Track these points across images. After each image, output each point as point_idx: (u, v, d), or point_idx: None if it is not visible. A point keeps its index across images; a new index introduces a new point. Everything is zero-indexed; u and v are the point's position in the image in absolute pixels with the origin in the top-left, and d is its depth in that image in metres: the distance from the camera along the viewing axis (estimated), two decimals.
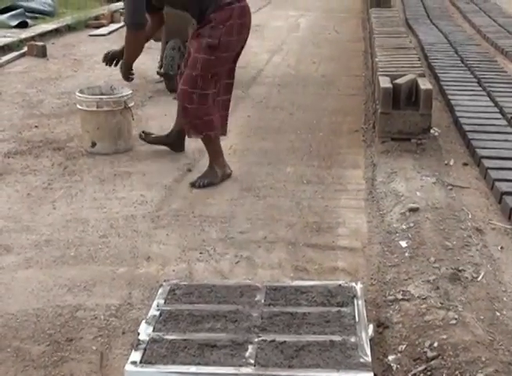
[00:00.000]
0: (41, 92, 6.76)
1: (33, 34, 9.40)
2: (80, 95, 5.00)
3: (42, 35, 9.51)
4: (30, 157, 4.93)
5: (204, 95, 4.22)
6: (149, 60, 7.17)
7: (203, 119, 4.28)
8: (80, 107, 5.01)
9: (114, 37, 9.56)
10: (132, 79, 4.71)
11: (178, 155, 4.92)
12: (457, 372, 2.40)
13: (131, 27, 4.29)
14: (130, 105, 5.00)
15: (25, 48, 8.57)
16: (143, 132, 4.96)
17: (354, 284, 3.02)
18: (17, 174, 4.61)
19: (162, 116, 5.69)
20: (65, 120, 5.79)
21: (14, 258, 3.49)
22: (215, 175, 4.42)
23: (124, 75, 4.61)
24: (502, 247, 3.40)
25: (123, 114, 4.96)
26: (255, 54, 8.55)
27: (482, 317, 2.72)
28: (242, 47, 4.39)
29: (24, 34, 9.34)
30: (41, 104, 6.32)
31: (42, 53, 8.41)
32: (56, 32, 9.94)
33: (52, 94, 6.66)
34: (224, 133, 4.55)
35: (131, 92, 5.11)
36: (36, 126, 5.64)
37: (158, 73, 6.74)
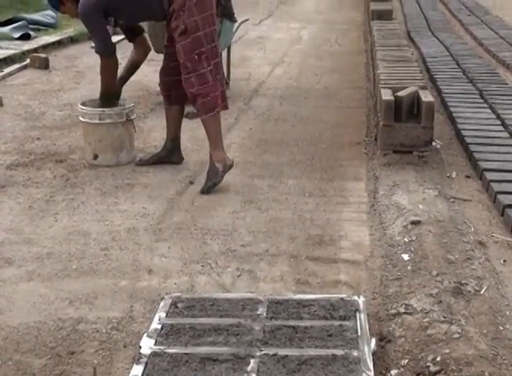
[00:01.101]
0: (43, 104, 6.78)
1: (35, 46, 9.43)
2: (82, 107, 5.00)
3: (45, 47, 9.54)
4: (32, 169, 4.94)
5: (201, 74, 4.43)
6: (151, 72, 7.17)
7: (210, 96, 4.48)
8: (82, 119, 5.02)
9: (116, 49, 9.55)
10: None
11: (179, 167, 4.92)
12: None
13: (104, 55, 4.69)
14: (132, 117, 5.01)
15: (27, 60, 8.59)
16: (139, 160, 5.03)
17: (356, 298, 3.01)
18: (19, 186, 4.61)
19: (164, 128, 5.68)
20: (67, 132, 5.80)
21: (16, 270, 3.49)
22: (217, 173, 4.50)
23: (102, 106, 4.92)
24: (504, 261, 3.39)
25: (125, 127, 4.96)
26: (257, 66, 8.57)
27: (485, 331, 2.71)
28: (213, 25, 4.55)
29: (27, 46, 9.37)
30: (43, 116, 6.33)
31: (45, 65, 8.43)
32: (59, 44, 9.98)
33: (55, 106, 6.67)
34: (226, 107, 4.74)
35: (133, 104, 5.12)
36: (38, 138, 5.65)
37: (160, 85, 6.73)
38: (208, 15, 4.48)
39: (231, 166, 4.57)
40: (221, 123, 4.63)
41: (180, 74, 4.49)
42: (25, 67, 8.47)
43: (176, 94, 4.74)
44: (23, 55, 8.87)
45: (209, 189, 4.45)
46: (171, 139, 4.96)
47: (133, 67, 5.07)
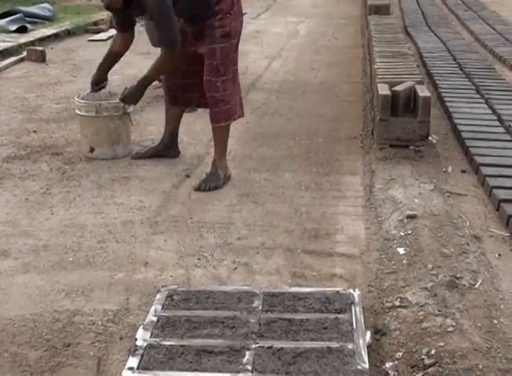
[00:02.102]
0: (39, 97, 6.77)
1: (32, 38, 9.42)
2: (79, 100, 5.00)
3: (41, 40, 9.53)
4: (28, 162, 4.93)
5: (226, 80, 4.41)
6: (147, 66, 7.15)
7: (231, 104, 4.48)
8: (79, 113, 5.02)
9: None
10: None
11: (175, 161, 4.92)
12: None
13: (174, 46, 4.29)
14: (129, 110, 5.00)
15: (24, 53, 8.58)
16: (136, 153, 5.01)
17: (351, 291, 3.03)
18: (16, 179, 4.61)
19: (161, 121, 5.67)
20: (64, 125, 5.80)
21: (12, 262, 3.49)
22: (219, 179, 4.48)
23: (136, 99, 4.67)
24: (499, 255, 3.40)
25: (121, 120, 4.96)
26: (254, 60, 8.56)
27: (480, 325, 2.73)
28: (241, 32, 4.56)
29: (23, 38, 9.35)
30: (39, 109, 6.32)
31: (41, 58, 8.41)
32: (55, 37, 9.96)
33: (51, 99, 6.67)
34: (242, 114, 4.72)
35: None
36: (35, 131, 5.64)
37: (157, 78, 6.73)
38: (242, 22, 4.53)
39: (229, 177, 4.57)
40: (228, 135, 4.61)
41: (187, 76, 4.47)
42: (22, 60, 8.46)
43: (182, 96, 4.72)
44: (19, 47, 8.87)
45: (207, 189, 4.40)
46: (169, 134, 4.95)
47: (115, 58, 4.81)
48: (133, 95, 4.60)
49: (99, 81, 4.85)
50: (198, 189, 4.41)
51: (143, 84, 4.55)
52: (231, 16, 4.35)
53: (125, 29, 4.68)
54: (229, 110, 4.48)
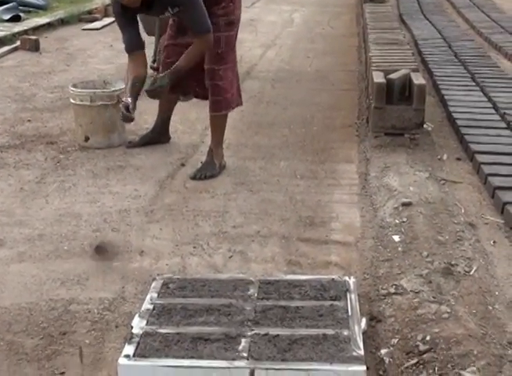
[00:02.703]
0: (34, 86, 6.74)
1: (26, 27, 9.37)
2: (73, 89, 4.99)
3: (35, 29, 9.48)
4: (23, 151, 4.92)
5: (227, 69, 4.40)
6: None
7: (231, 92, 4.46)
8: (73, 101, 5.00)
9: (107, 31, 9.51)
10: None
11: (170, 150, 4.91)
12: (449, 365, 2.41)
13: (210, 31, 4.16)
14: (123, 99, 4.99)
15: (18, 42, 8.54)
16: (129, 142, 5.01)
17: (347, 278, 3.03)
18: (10, 168, 4.60)
19: (155, 110, 5.67)
20: (58, 114, 5.78)
21: (7, 252, 3.49)
22: (214, 167, 4.48)
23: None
24: (494, 242, 3.41)
25: (116, 108, 4.93)
26: (249, 49, 8.54)
27: (474, 311, 2.74)
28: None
29: (17, 27, 9.31)
30: (34, 98, 6.30)
31: (35, 47, 8.38)
32: (49, 26, 9.91)
33: (45, 88, 6.64)
34: (241, 103, 4.70)
35: (124, 86, 5.10)
36: (29, 120, 5.63)
37: (151, 67, 6.71)
38: (241, 12, 4.50)
39: (224, 166, 4.55)
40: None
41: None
42: (15, 49, 8.42)
43: (181, 85, 4.60)
44: (13, 37, 8.83)
45: (202, 178, 4.40)
46: (162, 120, 4.96)
47: (140, 83, 4.39)
48: (164, 87, 4.25)
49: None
50: (194, 177, 4.41)
51: (177, 74, 4.25)
52: (234, 4, 4.34)
53: (136, 47, 4.34)
54: (230, 98, 4.47)
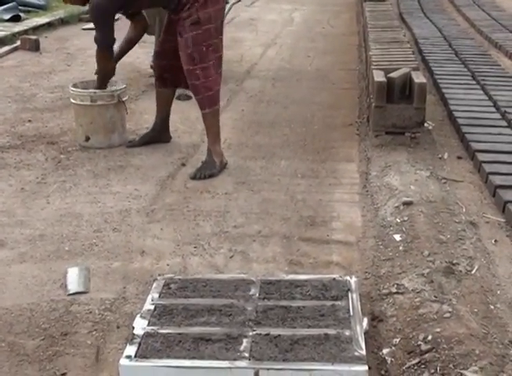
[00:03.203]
0: (34, 86, 6.74)
1: (26, 27, 9.36)
2: (73, 89, 4.98)
3: (35, 29, 9.47)
4: (23, 151, 4.92)
5: (206, 68, 4.39)
6: (143, 54, 7.14)
7: (214, 90, 4.46)
8: (73, 101, 5.00)
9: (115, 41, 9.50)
10: None
11: (171, 149, 4.91)
12: (451, 365, 2.41)
13: (101, 47, 4.62)
14: (124, 99, 4.99)
15: (18, 42, 8.52)
16: (129, 141, 5.03)
17: (348, 278, 3.02)
18: (11, 168, 4.60)
19: (155, 109, 5.68)
20: (58, 114, 5.78)
21: (8, 252, 3.49)
22: (214, 166, 4.47)
23: (99, 87, 4.92)
24: (496, 241, 3.41)
25: (117, 108, 4.95)
26: (249, 48, 8.54)
27: (476, 310, 2.73)
28: (222, 18, 4.55)
29: (17, 27, 9.30)
30: (34, 98, 6.30)
31: (35, 47, 8.37)
32: (49, 26, 9.90)
33: (46, 88, 6.64)
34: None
35: (124, 86, 5.10)
36: (29, 120, 5.62)
37: (152, 67, 6.71)
38: (220, 8, 4.47)
39: (225, 165, 4.56)
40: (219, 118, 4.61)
41: (176, 58, 4.44)
42: (15, 49, 8.41)
43: (171, 77, 4.71)
44: (13, 37, 8.81)
45: (202, 178, 4.40)
46: (161, 119, 4.96)
47: (128, 45, 4.92)
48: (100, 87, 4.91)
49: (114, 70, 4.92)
50: (194, 177, 4.41)
51: (98, 78, 4.91)
52: (199, 3, 4.31)
53: (131, 17, 4.80)
54: (213, 96, 4.46)
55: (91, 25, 10.06)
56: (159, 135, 4.99)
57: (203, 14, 4.33)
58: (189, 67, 4.38)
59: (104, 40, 4.57)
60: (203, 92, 4.42)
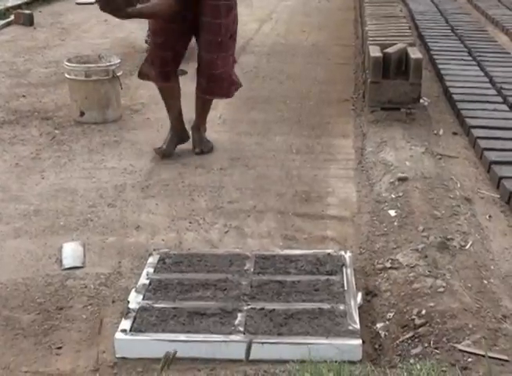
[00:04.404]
0: (28, 61, 6.70)
1: (19, 2, 9.29)
2: (68, 64, 4.95)
3: (29, 3, 9.40)
4: (18, 126, 4.90)
5: (227, 57, 4.22)
6: (137, 29, 7.09)
7: (233, 77, 4.32)
8: (68, 76, 4.98)
9: None
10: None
11: (166, 124, 4.88)
12: (444, 339, 2.42)
13: None
14: (118, 74, 4.97)
15: (12, 17, 8.47)
16: (159, 148, 4.37)
17: (343, 253, 3.04)
18: (5, 144, 4.59)
19: (150, 85, 5.64)
20: (53, 89, 5.75)
21: (3, 227, 3.48)
22: (209, 142, 4.48)
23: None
24: (490, 216, 3.42)
25: (111, 83, 4.92)
26: (244, 23, 8.42)
27: (470, 285, 2.75)
28: None
29: (11, 2, 9.22)
30: (28, 73, 6.26)
31: (29, 22, 8.31)
32: (43, 0, 9.82)
33: (40, 63, 6.60)
34: (241, 84, 4.50)
35: (119, 61, 5.07)
36: (24, 95, 5.60)
37: (146, 42, 6.67)
38: None
39: None
40: None
41: (180, 45, 4.20)
42: (9, 24, 8.36)
43: (174, 68, 4.31)
44: (7, 11, 8.75)
45: (206, 152, 4.38)
46: (174, 118, 4.44)
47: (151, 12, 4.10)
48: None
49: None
50: (200, 152, 4.37)
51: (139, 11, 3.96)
52: None
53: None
54: (233, 84, 4.33)
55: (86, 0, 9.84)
56: (181, 135, 4.46)
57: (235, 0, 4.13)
58: (212, 55, 4.12)
59: None
60: (220, 82, 4.22)
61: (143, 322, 2.57)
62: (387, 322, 2.65)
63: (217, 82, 4.23)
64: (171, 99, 4.41)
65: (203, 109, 4.45)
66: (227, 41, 4.17)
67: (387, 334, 2.59)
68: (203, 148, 4.41)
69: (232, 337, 2.47)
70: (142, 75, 4.39)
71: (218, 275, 2.88)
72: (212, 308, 2.63)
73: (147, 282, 2.83)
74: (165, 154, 4.32)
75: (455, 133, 4.53)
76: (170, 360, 2.06)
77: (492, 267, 2.93)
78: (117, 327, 2.55)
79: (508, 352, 2.33)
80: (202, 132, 4.48)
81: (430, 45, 6.54)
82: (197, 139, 4.46)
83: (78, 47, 7.13)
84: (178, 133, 4.43)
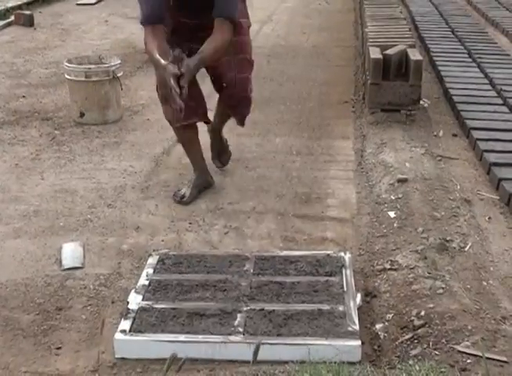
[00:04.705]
0: (28, 61, 6.70)
1: (20, 2, 9.29)
2: (68, 65, 4.96)
3: (29, 4, 9.40)
4: (18, 127, 4.90)
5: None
6: (138, 30, 7.08)
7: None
8: (68, 77, 4.98)
9: (102, 6, 9.45)
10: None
11: (166, 125, 4.85)
12: (444, 340, 2.42)
13: (141, 23, 3.51)
14: (118, 75, 4.97)
15: (12, 17, 8.47)
16: (183, 198, 3.81)
17: (342, 254, 3.04)
18: (5, 144, 4.59)
19: (151, 86, 5.63)
20: (53, 90, 5.75)
21: (2, 228, 3.49)
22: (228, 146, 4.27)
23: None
24: (489, 218, 3.42)
25: (111, 84, 4.93)
26: None
27: (469, 286, 2.75)
28: None
29: (11, 2, 9.22)
30: (28, 74, 6.26)
31: (29, 22, 8.31)
32: (43, 1, 9.82)
33: (40, 64, 6.60)
34: None
35: (119, 61, 5.08)
36: (24, 96, 5.60)
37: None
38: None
39: None
40: None
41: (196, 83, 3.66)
42: (9, 25, 8.37)
43: (202, 106, 3.81)
44: (7, 12, 8.75)
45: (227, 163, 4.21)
46: (200, 168, 3.95)
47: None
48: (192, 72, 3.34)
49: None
50: (224, 165, 4.19)
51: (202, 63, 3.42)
52: (242, 2, 3.65)
53: (157, 20, 3.47)
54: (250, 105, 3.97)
55: (86, 0, 9.97)
56: (205, 180, 3.94)
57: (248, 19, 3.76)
58: (247, 75, 3.77)
59: (143, 15, 3.46)
60: (249, 105, 3.91)
61: (143, 322, 2.57)
62: (386, 323, 2.65)
63: (248, 106, 3.93)
64: (195, 149, 3.95)
65: (225, 119, 4.15)
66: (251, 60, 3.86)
67: (386, 335, 2.59)
68: (226, 160, 4.20)
69: (232, 338, 2.47)
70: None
71: (217, 276, 2.88)
72: (212, 309, 2.63)
73: (147, 283, 2.84)
74: (185, 199, 3.78)
75: (455, 135, 4.53)
76: (181, 364, 2.04)
77: (492, 268, 2.93)
78: (117, 328, 2.55)
79: (507, 353, 2.33)
80: (223, 139, 4.22)
81: (430, 46, 6.54)
82: (223, 150, 4.20)
83: (78, 48, 7.14)
84: (205, 180, 3.94)
